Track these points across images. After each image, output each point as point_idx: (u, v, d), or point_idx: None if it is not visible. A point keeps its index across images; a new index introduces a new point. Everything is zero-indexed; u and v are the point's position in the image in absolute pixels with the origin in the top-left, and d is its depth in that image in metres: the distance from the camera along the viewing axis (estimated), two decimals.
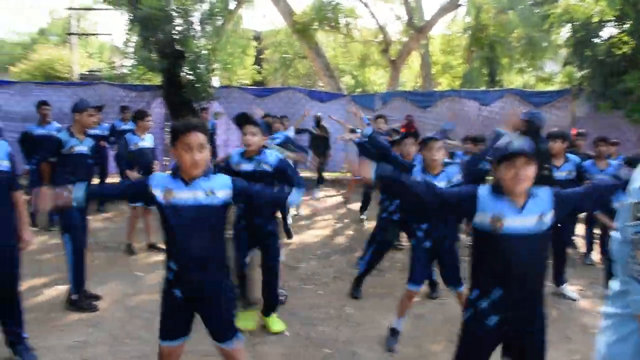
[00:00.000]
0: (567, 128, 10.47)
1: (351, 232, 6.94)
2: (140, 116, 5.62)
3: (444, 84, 21.89)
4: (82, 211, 3.98)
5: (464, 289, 3.31)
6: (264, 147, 3.49)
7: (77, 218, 3.93)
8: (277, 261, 3.62)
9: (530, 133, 3.93)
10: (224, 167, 3.44)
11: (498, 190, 2.06)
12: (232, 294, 2.41)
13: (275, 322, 3.68)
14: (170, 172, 2.28)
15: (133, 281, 4.73)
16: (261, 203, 2.44)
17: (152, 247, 5.68)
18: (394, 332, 3.51)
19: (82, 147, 4.17)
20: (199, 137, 2.13)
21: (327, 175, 12.69)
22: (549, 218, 2.05)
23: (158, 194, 2.19)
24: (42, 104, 6.65)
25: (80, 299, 3.99)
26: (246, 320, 3.60)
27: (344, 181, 12.02)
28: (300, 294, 4.48)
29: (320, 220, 7.74)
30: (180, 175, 2.20)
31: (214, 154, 7.85)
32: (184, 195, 2.17)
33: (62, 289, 4.28)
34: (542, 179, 3.15)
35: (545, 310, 2.15)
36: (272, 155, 3.40)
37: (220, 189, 2.22)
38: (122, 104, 9.06)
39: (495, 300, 2.06)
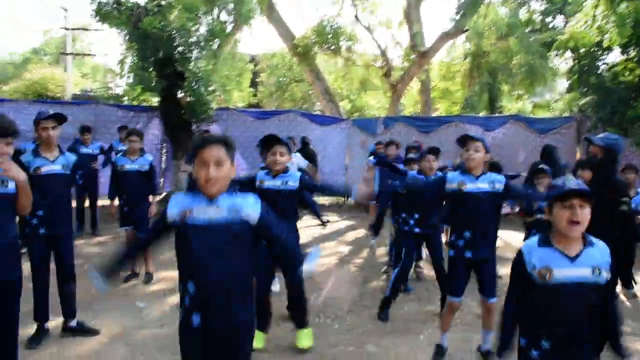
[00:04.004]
0: (571, 155, 10.50)
1: (361, 260, 6.71)
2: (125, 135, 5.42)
3: (441, 109, 22.07)
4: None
5: (496, 301, 3.39)
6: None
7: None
8: (300, 278, 3.55)
9: (608, 161, 3.68)
10: (247, 182, 3.57)
11: (547, 240, 2.03)
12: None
13: (305, 338, 3.74)
14: (188, 191, 2.18)
15: (135, 313, 4.46)
16: (275, 248, 2.27)
17: (133, 276, 5.42)
18: (440, 350, 3.44)
19: (54, 166, 3.65)
20: (216, 152, 1.99)
21: (324, 200, 12.59)
22: (604, 275, 1.98)
23: (174, 216, 2.04)
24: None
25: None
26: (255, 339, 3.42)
27: (344, 206, 11.89)
28: (315, 329, 4.22)
29: (325, 247, 7.49)
30: (201, 192, 2.05)
31: None
32: (206, 213, 2.01)
33: (55, 322, 4.00)
34: (622, 215, 3.09)
35: None
36: (296, 174, 3.61)
37: (247, 208, 2.06)
38: (120, 124, 8.89)
39: (546, 351, 2.00)
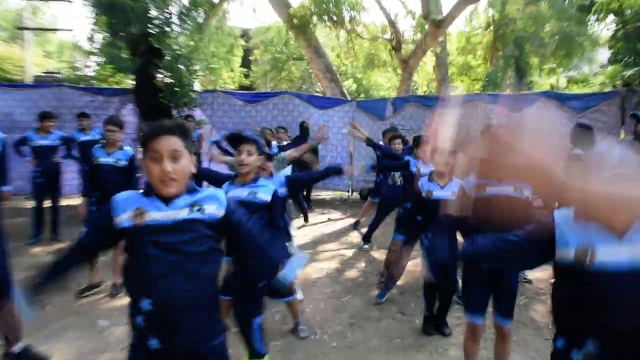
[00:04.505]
0: (614, 137, 10.19)
1: (364, 264, 6.50)
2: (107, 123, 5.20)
3: (461, 87, 21.73)
4: None
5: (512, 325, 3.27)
6: (263, 169, 3.52)
7: None
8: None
9: None
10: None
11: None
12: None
13: None
14: (141, 190, 2.01)
15: (95, 334, 4.25)
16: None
17: (91, 288, 5.23)
18: None
19: None
20: (171, 142, 1.88)
21: (325, 195, 12.42)
22: None
23: (124, 217, 1.93)
24: None
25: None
26: None
27: (348, 201, 11.71)
28: (311, 349, 4.01)
29: (325, 249, 7.29)
30: (156, 192, 1.93)
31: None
32: (162, 216, 1.91)
33: None
34: None
35: None
36: (269, 185, 3.35)
37: (210, 203, 1.97)
38: (86, 110, 8.67)
39: (590, 353, 1.77)
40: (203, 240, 1.94)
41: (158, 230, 1.90)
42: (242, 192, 3.27)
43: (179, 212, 1.92)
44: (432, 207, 3.83)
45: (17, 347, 3.63)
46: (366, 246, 7.20)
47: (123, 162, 5.14)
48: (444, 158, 3.64)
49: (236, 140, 3.37)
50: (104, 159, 5.11)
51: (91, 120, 8.02)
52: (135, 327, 1.94)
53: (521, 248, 1.95)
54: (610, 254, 1.71)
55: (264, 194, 3.27)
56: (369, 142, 5.77)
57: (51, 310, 4.69)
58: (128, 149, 5.28)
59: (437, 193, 3.95)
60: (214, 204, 1.98)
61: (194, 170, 1.97)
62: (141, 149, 1.94)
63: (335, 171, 4.17)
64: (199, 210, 1.94)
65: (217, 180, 3.58)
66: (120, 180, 5.08)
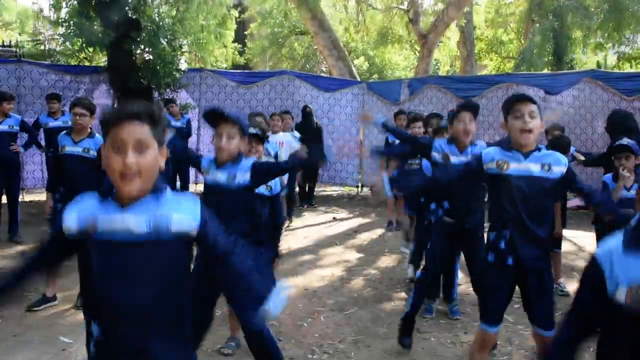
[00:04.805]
0: None
1: (373, 272, 6.45)
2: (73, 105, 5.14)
3: (490, 66, 21.61)
4: None
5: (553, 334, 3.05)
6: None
7: None
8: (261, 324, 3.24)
9: None
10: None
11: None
12: None
13: None
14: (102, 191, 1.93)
15: (56, 352, 4.21)
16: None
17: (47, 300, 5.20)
18: None
19: None
20: (137, 130, 1.79)
21: (331, 190, 12.39)
22: None
23: (72, 228, 1.87)
24: None
25: None
26: None
27: (356, 198, 11.66)
28: None
29: (328, 254, 7.24)
30: (114, 195, 1.86)
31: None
32: (119, 225, 1.82)
33: None
34: None
35: None
36: (247, 164, 3.38)
37: (180, 216, 1.85)
38: (51, 90, 8.62)
39: None
40: (169, 262, 1.87)
41: (111, 249, 1.83)
42: (219, 175, 3.36)
43: (138, 220, 1.83)
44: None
45: None
46: (405, 249, 6.93)
47: (93, 152, 5.00)
48: None
49: (214, 118, 3.34)
50: (71, 148, 4.99)
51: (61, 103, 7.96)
52: (88, 354, 1.91)
53: (578, 317, 1.86)
54: None
55: (242, 175, 3.33)
56: (387, 128, 5.38)
57: (5, 323, 4.66)
58: (99, 136, 5.12)
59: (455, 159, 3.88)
60: (184, 214, 1.88)
61: (162, 165, 1.89)
62: (103, 138, 1.87)
63: (304, 162, 4.17)
64: (165, 225, 1.84)
65: (196, 160, 3.63)
66: (89, 173, 4.91)
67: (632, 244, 1.65)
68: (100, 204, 1.88)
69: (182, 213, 1.86)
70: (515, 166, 3.06)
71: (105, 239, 1.84)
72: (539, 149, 3.10)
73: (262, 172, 3.41)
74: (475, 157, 3.30)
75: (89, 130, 5.07)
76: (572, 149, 5.84)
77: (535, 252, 3.07)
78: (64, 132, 5.18)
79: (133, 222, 1.83)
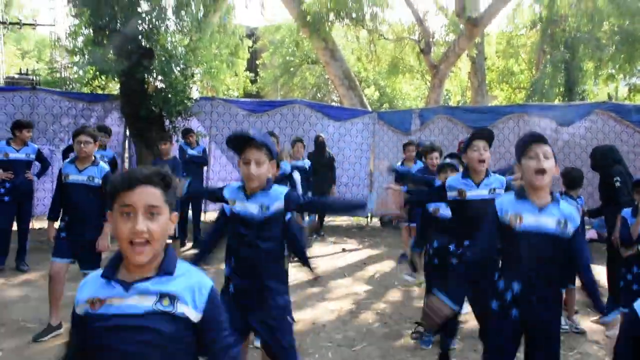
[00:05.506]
0: None
1: (383, 305, 6.29)
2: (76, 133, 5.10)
3: (501, 96, 21.56)
4: None
5: None
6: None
7: None
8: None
9: None
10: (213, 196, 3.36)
11: None
12: None
13: None
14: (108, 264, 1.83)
15: None
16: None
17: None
18: None
19: None
20: (149, 195, 1.73)
21: (340, 221, 12.26)
22: None
23: (82, 306, 1.79)
24: None
25: None
26: None
27: (366, 228, 11.52)
28: None
29: (337, 286, 7.09)
30: (121, 267, 1.79)
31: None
32: (121, 302, 1.74)
33: None
34: None
35: None
36: (278, 192, 3.13)
37: (186, 296, 1.77)
38: (65, 118, 8.65)
39: None
40: (174, 344, 1.76)
41: (114, 329, 1.74)
42: (250, 206, 3.08)
43: (141, 300, 1.74)
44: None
45: None
46: (409, 278, 7.07)
47: (98, 180, 4.98)
48: None
49: (240, 144, 3.06)
50: (75, 177, 4.97)
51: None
52: None
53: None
54: None
55: (276, 204, 3.08)
56: (402, 176, 5.33)
57: (6, 358, 4.56)
58: (103, 164, 5.14)
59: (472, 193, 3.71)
60: (189, 297, 1.78)
61: (171, 232, 1.81)
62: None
63: (358, 206, 3.97)
64: (170, 303, 1.75)
65: (219, 195, 3.31)
66: (94, 202, 4.94)
67: None
68: (105, 282, 1.78)
69: (189, 295, 1.77)
70: (530, 219, 2.89)
71: (106, 321, 1.74)
72: (552, 196, 2.95)
73: (292, 206, 3.23)
74: (492, 211, 3.08)
75: (93, 158, 5.03)
76: (581, 201, 5.67)
77: (542, 307, 2.91)
78: (68, 160, 5.17)
79: (138, 300, 1.74)
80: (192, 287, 1.77)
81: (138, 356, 1.72)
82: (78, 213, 4.95)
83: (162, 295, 1.73)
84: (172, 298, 1.74)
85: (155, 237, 1.71)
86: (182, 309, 1.74)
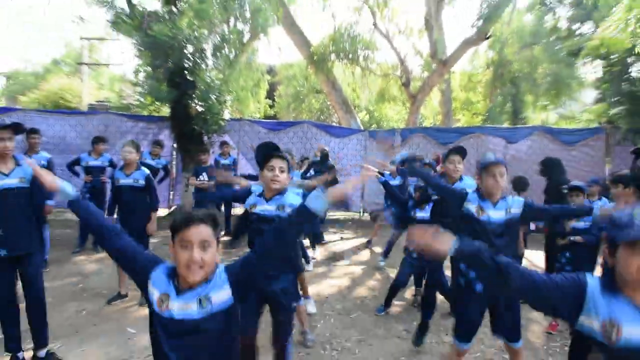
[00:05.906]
0: (600, 169, 9.90)
1: (374, 282, 6.27)
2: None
3: (463, 120, 21.51)
4: None
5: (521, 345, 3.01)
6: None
7: None
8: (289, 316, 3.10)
9: None
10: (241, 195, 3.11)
11: (613, 286, 1.55)
12: None
13: None
14: (168, 270, 1.83)
15: (124, 340, 4.10)
16: (270, 256, 1.85)
17: (119, 297, 5.13)
18: None
19: (9, 180, 3.30)
20: (202, 232, 1.74)
21: (339, 214, 12.23)
22: None
23: (155, 296, 1.77)
24: (30, 131, 6.11)
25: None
26: None
27: (362, 221, 11.49)
28: None
29: (338, 266, 7.07)
30: (177, 279, 1.78)
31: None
32: (175, 307, 1.74)
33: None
34: None
35: None
36: (295, 196, 2.98)
37: (217, 291, 1.77)
38: (129, 135, 8.67)
39: None
40: (215, 340, 1.77)
41: (174, 328, 1.74)
42: (269, 207, 2.95)
43: (190, 304, 1.74)
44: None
45: (42, 352, 3.52)
46: (383, 262, 7.00)
47: (141, 182, 4.96)
48: None
49: (270, 151, 2.92)
50: (124, 180, 4.95)
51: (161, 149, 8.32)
52: None
53: (543, 294, 1.66)
54: (637, 332, 1.48)
55: (292, 207, 2.89)
56: (413, 171, 4.16)
57: (87, 315, 4.60)
58: (144, 169, 5.07)
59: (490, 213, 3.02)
60: (221, 290, 1.78)
61: (218, 260, 1.81)
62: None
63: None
64: (208, 306, 1.75)
65: (244, 196, 3.15)
66: (140, 199, 4.96)
67: (607, 286, 1.57)
68: (168, 282, 1.78)
69: (220, 290, 1.77)
70: (488, 213, 2.96)
71: (167, 317, 1.75)
72: (504, 198, 3.00)
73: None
74: (462, 194, 3.11)
75: (136, 165, 5.00)
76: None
77: None
78: (119, 168, 5.14)
79: (191, 305, 1.75)
80: (219, 281, 1.79)
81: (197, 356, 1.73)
82: (129, 208, 4.94)
83: (201, 300, 1.75)
84: (208, 298, 1.75)
85: (207, 264, 1.74)
86: (217, 300, 1.75)
